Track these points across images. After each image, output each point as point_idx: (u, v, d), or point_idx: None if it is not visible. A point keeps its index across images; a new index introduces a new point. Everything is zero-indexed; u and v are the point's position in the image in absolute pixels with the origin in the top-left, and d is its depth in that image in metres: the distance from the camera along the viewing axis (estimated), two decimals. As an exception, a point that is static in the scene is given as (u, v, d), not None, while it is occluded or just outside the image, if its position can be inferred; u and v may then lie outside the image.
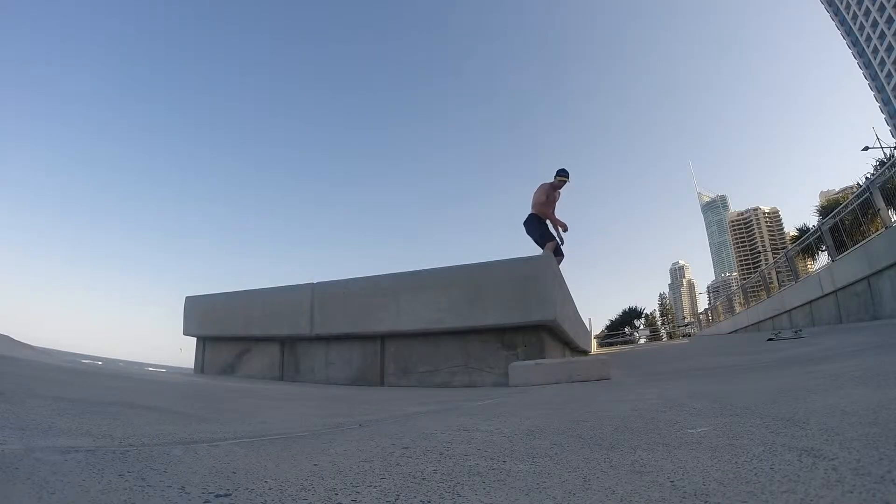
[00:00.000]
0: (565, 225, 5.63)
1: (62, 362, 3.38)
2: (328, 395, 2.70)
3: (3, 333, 4.19)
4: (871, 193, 8.56)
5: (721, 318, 22.41)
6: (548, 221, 5.60)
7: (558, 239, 5.54)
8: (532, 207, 5.59)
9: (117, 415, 1.17)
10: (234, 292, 5.41)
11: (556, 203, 5.72)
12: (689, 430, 0.92)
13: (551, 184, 5.58)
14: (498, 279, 3.93)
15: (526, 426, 1.13)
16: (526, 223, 5.61)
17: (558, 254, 5.44)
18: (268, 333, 4.91)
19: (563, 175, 5.61)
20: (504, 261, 4.07)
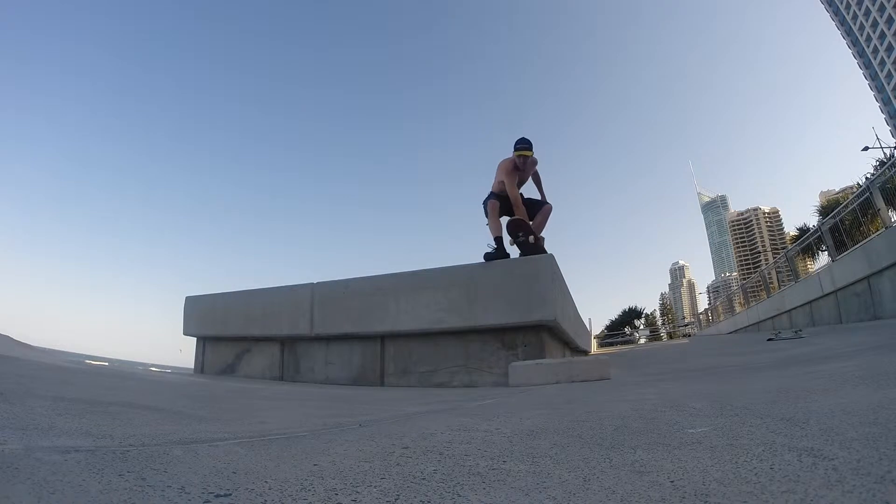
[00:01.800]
0: (533, 232, 4.27)
1: (62, 362, 3.38)
2: (328, 395, 2.70)
3: (3, 333, 4.18)
4: (871, 193, 8.57)
5: (721, 318, 22.42)
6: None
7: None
8: (492, 188, 4.44)
9: (117, 415, 1.17)
10: (234, 292, 5.41)
11: (523, 184, 4.46)
12: (689, 430, 0.92)
13: (511, 160, 4.32)
14: (498, 279, 3.93)
15: (526, 426, 1.13)
16: (484, 204, 4.45)
17: (533, 207, 4.37)
18: (268, 333, 4.91)
19: (522, 148, 4.29)
20: (504, 260, 4.07)
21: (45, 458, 0.65)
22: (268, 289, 5.22)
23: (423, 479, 0.69)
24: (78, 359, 5.72)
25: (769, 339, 6.29)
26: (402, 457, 0.83)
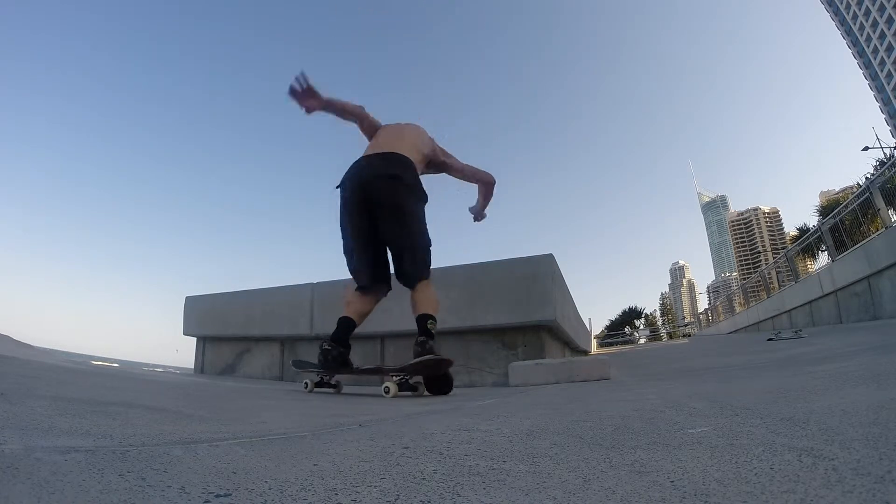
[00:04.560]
0: None
1: (62, 362, 3.38)
2: (328, 394, 2.70)
3: (3, 333, 4.18)
4: (871, 193, 8.58)
5: (721, 318, 22.43)
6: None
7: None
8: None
9: (117, 415, 1.17)
10: (234, 292, 5.41)
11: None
12: (689, 430, 0.92)
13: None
14: (498, 279, 3.93)
15: (526, 426, 1.13)
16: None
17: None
18: (268, 333, 4.91)
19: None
20: (504, 261, 4.07)
21: (45, 458, 0.65)
22: (268, 289, 5.22)
23: (423, 479, 0.69)
24: (81, 359, 5.71)
25: (769, 339, 6.29)
26: (402, 457, 0.83)
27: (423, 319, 2.60)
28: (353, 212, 2.75)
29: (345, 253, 2.86)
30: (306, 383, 2.89)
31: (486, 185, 3.21)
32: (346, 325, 2.79)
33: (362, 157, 2.83)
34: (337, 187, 2.82)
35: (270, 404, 2.01)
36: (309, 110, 2.86)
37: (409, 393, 2.60)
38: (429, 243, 2.81)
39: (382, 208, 2.69)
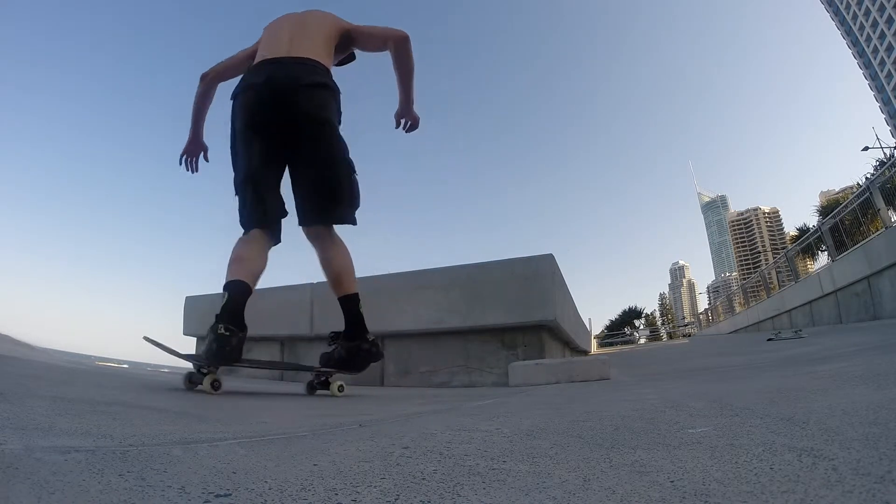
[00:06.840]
0: None
1: (63, 362, 3.38)
2: (328, 395, 2.70)
3: (3, 333, 4.18)
4: (871, 193, 8.58)
5: (721, 318, 22.43)
6: None
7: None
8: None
9: (117, 415, 1.17)
10: (234, 292, 5.40)
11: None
12: (689, 430, 0.92)
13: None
14: (498, 279, 3.93)
15: (526, 426, 1.13)
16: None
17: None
18: (268, 333, 4.91)
19: None
20: (504, 261, 4.07)
21: (45, 458, 0.65)
22: (267, 289, 5.21)
23: (423, 479, 0.69)
24: (83, 359, 5.70)
25: (769, 339, 6.29)
26: (402, 457, 0.83)
27: (353, 304, 2.13)
28: (260, 128, 2.08)
29: (238, 186, 2.13)
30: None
31: (397, 48, 2.27)
32: (240, 295, 2.07)
33: (264, 60, 2.13)
34: (232, 98, 2.15)
35: (270, 404, 2.01)
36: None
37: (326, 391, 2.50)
38: (355, 170, 2.18)
39: (302, 127, 2.07)
